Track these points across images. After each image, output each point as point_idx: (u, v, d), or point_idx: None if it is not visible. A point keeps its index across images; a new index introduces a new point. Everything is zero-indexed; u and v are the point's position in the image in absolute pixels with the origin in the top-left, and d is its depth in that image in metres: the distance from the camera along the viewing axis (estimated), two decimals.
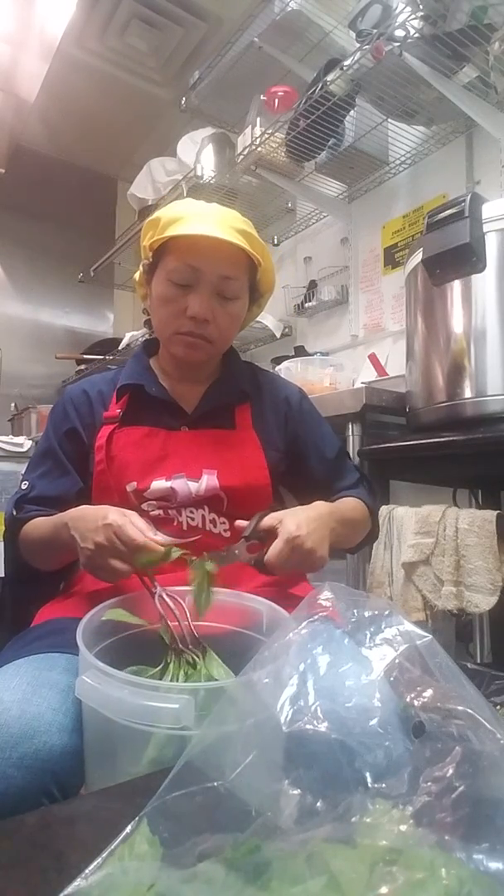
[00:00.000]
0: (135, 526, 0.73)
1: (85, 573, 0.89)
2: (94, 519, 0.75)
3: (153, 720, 0.50)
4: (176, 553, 0.72)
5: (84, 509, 0.80)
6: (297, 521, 0.77)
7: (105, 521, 0.73)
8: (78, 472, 0.95)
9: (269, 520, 0.79)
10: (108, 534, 0.72)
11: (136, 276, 1.00)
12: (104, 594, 0.78)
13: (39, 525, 0.89)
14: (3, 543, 1.01)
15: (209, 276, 0.89)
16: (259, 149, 2.14)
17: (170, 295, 0.90)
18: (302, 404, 1.05)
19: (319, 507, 0.86)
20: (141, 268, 0.98)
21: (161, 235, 0.88)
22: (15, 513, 0.93)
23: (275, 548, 0.75)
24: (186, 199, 0.97)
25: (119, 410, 0.94)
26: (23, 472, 1.02)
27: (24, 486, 0.96)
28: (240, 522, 0.81)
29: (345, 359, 2.24)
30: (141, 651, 0.68)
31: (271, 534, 0.77)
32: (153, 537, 0.73)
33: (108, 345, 3.17)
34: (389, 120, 1.97)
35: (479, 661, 1.61)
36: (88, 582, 0.88)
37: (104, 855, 0.34)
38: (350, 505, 0.96)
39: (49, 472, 0.95)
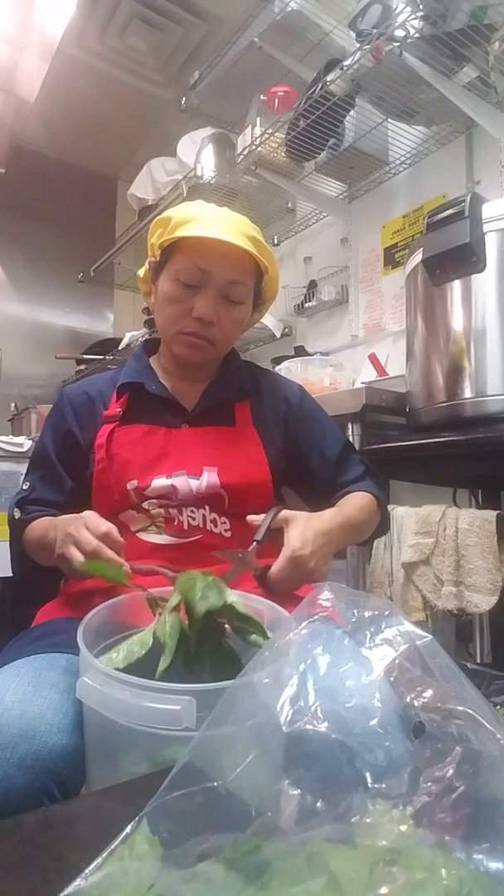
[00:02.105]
0: (102, 520, 0.75)
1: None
2: (71, 520, 0.78)
3: (154, 721, 0.50)
4: (123, 577, 0.70)
5: (68, 516, 0.81)
6: (304, 537, 0.78)
7: (79, 518, 0.77)
8: (73, 476, 0.96)
9: (279, 520, 0.80)
10: (76, 524, 0.75)
11: (141, 272, 1.00)
12: (104, 594, 0.78)
13: (36, 527, 0.91)
14: (2, 544, 1.02)
15: (217, 279, 0.89)
16: (259, 149, 2.14)
17: (176, 294, 0.91)
18: (302, 403, 1.04)
19: (330, 519, 0.85)
20: (147, 265, 0.98)
21: (172, 235, 0.89)
22: (18, 513, 0.94)
23: (277, 565, 0.76)
24: (198, 201, 0.98)
25: (119, 409, 0.95)
26: (24, 470, 1.03)
27: (24, 487, 0.97)
28: (252, 518, 0.82)
29: (345, 359, 2.24)
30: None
31: (278, 534, 0.78)
32: (118, 537, 0.75)
33: (108, 345, 3.17)
34: (389, 120, 1.97)
35: (479, 661, 1.61)
36: (88, 582, 0.88)
37: (104, 855, 0.34)
38: (358, 504, 0.94)
39: (44, 478, 0.97)
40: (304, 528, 0.79)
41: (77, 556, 0.73)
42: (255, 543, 0.79)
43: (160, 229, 0.93)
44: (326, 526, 0.83)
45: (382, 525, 1.02)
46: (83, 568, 0.71)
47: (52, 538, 0.80)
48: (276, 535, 0.79)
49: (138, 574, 0.73)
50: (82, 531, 0.74)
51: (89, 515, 0.77)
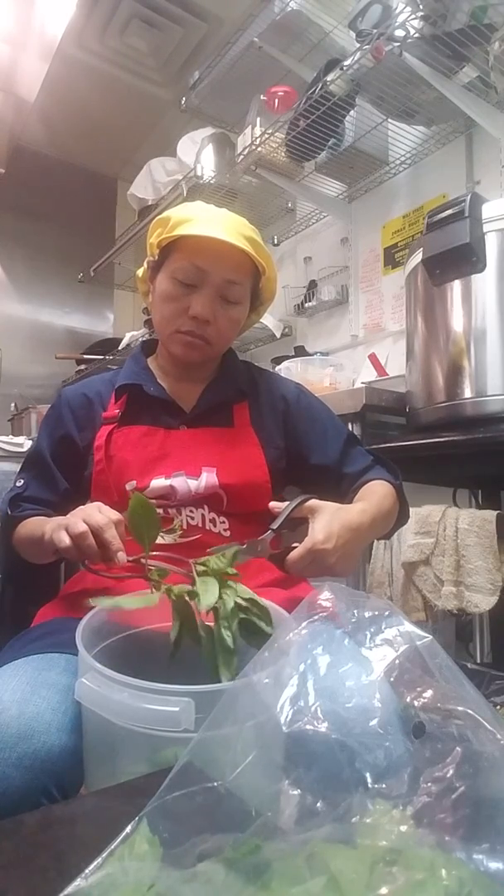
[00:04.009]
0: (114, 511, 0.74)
1: (84, 573, 0.89)
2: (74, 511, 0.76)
3: (153, 723, 0.50)
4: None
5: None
6: (329, 530, 0.73)
7: (94, 504, 0.75)
8: (67, 478, 0.95)
9: (305, 510, 0.76)
10: (91, 506, 0.74)
11: (140, 272, 1.00)
12: (104, 595, 0.78)
13: (29, 523, 0.90)
14: None
15: (214, 279, 0.90)
16: (259, 149, 2.14)
17: (174, 293, 0.91)
18: (299, 400, 1.04)
19: (360, 513, 0.81)
20: (146, 264, 0.98)
21: (170, 234, 0.89)
22: (10, 510, 0.94)
23: (296, 553, 0.72)
24: (197, 202, 0.98)
25: (118, 410, 0.95)
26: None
27: (18, 484, 0.97)
28: (274, 504, 0.79)
29: (345, 359, 2.24)
30: (141, 651, 0.68)
31: (301, 523, 0.75)
32: (123, 531, 0.73)
33: (108, 345, 3.17)
34: (389, 120, 1.97)
35: (479, 661, 1.61)
36: (88, 582, 0.88)
37: (104, 855, 0.34)
38: (382, 493, 0.90)
39: (38, 477, 0.97)
40: (330, 520, 0.75)
41: (80, 526, 0.69)
42: (269, 532, 0.75)
43: (159, 229, 0.93)
44: (356, 520, 0.78)
45: (403, 514, 0.97)
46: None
47: (48, 529, 0.78)
48: (295, 526, 0.76)
49: (155, 560, 0.70)
50: (95, 511, 0.72)
51: (104, 505, 0.75)
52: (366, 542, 0.82)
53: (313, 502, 0.77)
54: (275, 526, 0.75)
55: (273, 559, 0.75)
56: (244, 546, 0.73)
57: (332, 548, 0.73)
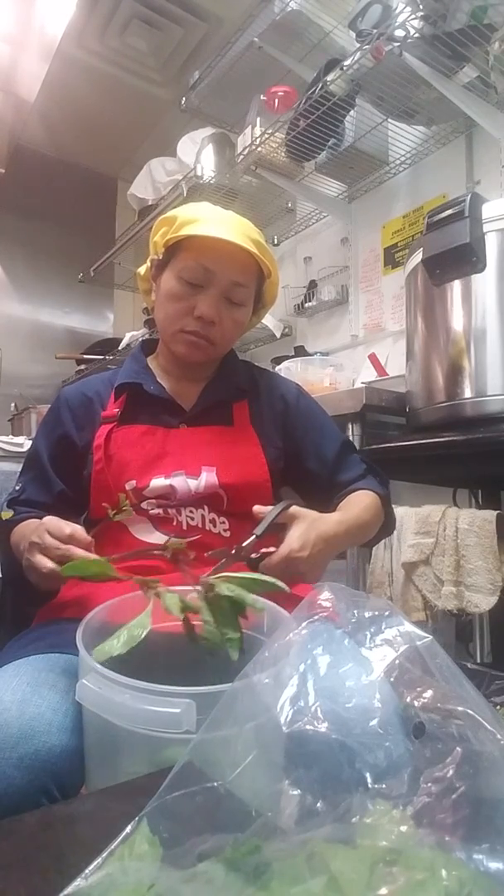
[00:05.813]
0: (64, 522, 0.73)
1: None
2: (34, 528, 0.75)
3: (154, 724, 0.50)
4: (109, 569, 0.67)
5: (33, 523, 0.80)
6: (305, 539, 0.76)
7: (40, 525, 0.74)
8: (64, 479, 0.95)
9: (286, 516, 0.78)
10: (39, 531, 0.73)
11: (142, 270, 1.00)
12: (104, 595, 0.78)
13: (18, 531, 0.90)
14: None
15: (221, 280, 0.90)
16: (259, 149, 2.14)
17: (179, 292, 0.91)
18: (299, 402, 1.04)
19: (336, 524, 0.83)
20: (149, 263, 0.98)
21: (178, 233, 0.89)
22: (7, 514, 0.94)
23: (273, 559, 0.74)
24: (204, 203, 0.99)
25: (117, 409, 0.95)
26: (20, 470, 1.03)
27: (17, 488, 0.97)
28: (258, 509, 0.80)
29: (345, 359, 2.24)
30: (142, 652, 0.68)
31: (282, 529, 0.76)
32: (85, 536, 0.72)
33: (108, 345, 3.17)
34: (389, 120, 1.98)
35: (479, 661, 1.61)
36: (88, 583, 0.88)
37: (104, 855, 0.34)
38: (363, 504, 0.92)
39: (35, 479, 0.97)
40: (307, 529, 0.77)
41: (45, 563, 0.70)
42: (253, 537, 0.76)
43: (165, 227, 0.93)
44: (331, 531, 0.80)
45: (388, 524, 0.99)
46: (65, 573, 0.68)
47: (23, 549, 0.78)
48: (278, 532, 0.77)
49: (124, 561, 0.71)
50: (46, 537, 0.71)
51: (50, 520, 0.74)
52: (338, 551, 0.84)
53: (294, 509, 0.79)
54: (259, 532, 0.77)
55: (249, 563, 0.76)
56: (232, 553, 0.75)
57: (307, 556, 0.75)
